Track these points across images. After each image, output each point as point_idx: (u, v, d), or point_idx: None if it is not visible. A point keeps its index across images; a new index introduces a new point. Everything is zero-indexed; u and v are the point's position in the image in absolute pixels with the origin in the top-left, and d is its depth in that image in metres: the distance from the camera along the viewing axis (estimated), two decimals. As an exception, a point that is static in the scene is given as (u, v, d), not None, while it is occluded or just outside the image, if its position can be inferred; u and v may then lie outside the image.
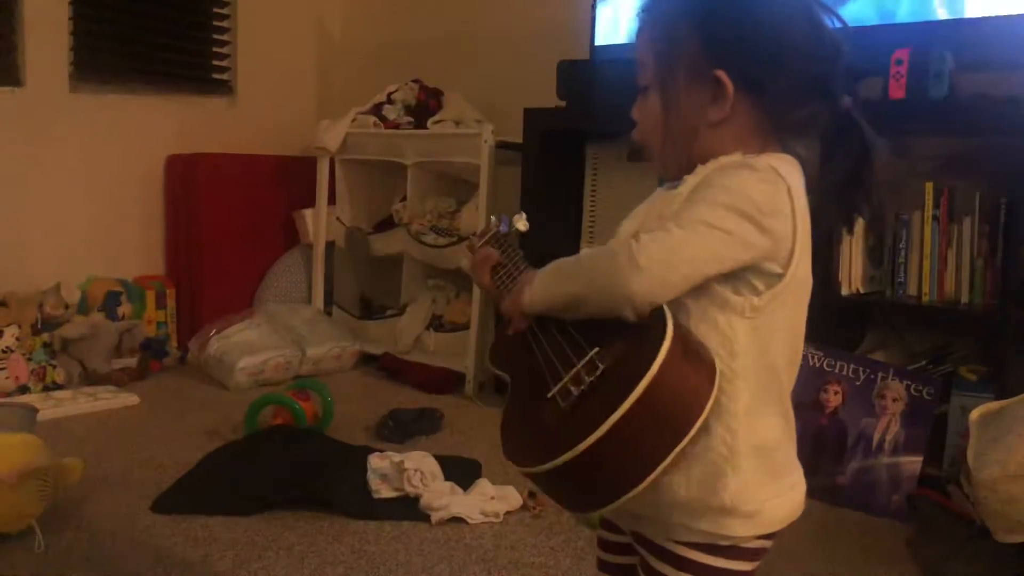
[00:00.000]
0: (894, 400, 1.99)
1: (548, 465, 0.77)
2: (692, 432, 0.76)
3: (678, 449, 0.76)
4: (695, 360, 0.79)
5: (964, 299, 2.00)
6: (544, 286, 0.88)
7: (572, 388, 0.80)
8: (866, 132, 0.86)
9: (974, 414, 1.74)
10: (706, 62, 0.85)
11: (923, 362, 2.08)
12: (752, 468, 0.82)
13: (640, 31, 0.91)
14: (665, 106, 0.88)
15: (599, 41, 2.63)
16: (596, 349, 0.81)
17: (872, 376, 2.01)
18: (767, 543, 0.86)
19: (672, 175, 0.91)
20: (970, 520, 1.72)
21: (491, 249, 1.02)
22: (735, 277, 0.82)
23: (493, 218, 1.08)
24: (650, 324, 0.79)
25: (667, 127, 0.89)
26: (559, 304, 0.87)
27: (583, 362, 0.81)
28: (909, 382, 1.97)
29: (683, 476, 0.81)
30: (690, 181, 0.85)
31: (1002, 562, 1.61)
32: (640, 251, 0.79)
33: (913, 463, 1.94)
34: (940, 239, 2.02)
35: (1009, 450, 1.60)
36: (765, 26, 0.84)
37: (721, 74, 0.85)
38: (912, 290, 2.06)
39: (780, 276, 0.82)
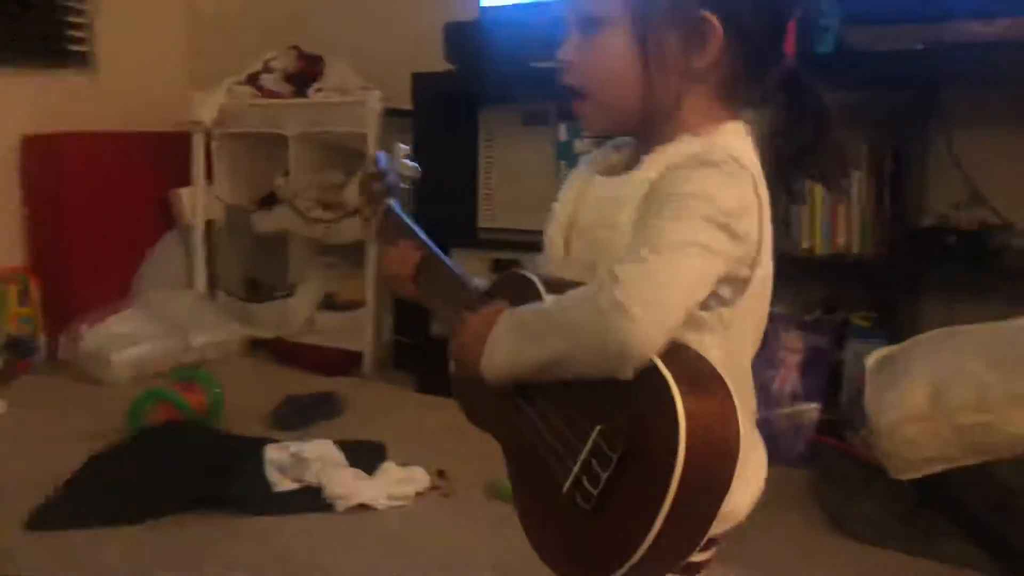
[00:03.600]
0: (792, 351, 2.03)
1: None
2: (739, 461, 0.68)
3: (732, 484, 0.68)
4: (706, 391, 0.69)
5: (855, 249, 2.05)
6: (510, 351, 0.76)
7: (588, 486, 0.70)
8: (820, 95, 0.80)
9: (869, 360, 1.78)
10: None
11: (817, 312, 2.13)
12: None
13: None
14: (643, 47, 0.76)
15: (485, 2, 2.55)
16: (598, 428, 0.70)
17: (770, 328, 2.04)
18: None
19: (619, 131, 0.83)
20: (868, 462, 1.78)
21: (409, 248, 0.96)
22: None
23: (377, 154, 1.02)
24: (640, 376, 0.68)
25: (646, 74, 0.77)
26: (531, 370, 0.75)
27: (588, 448, 0.71)
28: (805, 332, 2.01)
29: None
30: (650, 170, 0.75)
31: (898, 498, 1.67)
32: (627, 295, 0.67)
33: (812, 411, 1.99)
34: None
35: (904, 393, 1.65)
36: None
37: (708, 15, 0.74)
38: (805, 243, 2.10)
39: (748, 280, 0.76)
